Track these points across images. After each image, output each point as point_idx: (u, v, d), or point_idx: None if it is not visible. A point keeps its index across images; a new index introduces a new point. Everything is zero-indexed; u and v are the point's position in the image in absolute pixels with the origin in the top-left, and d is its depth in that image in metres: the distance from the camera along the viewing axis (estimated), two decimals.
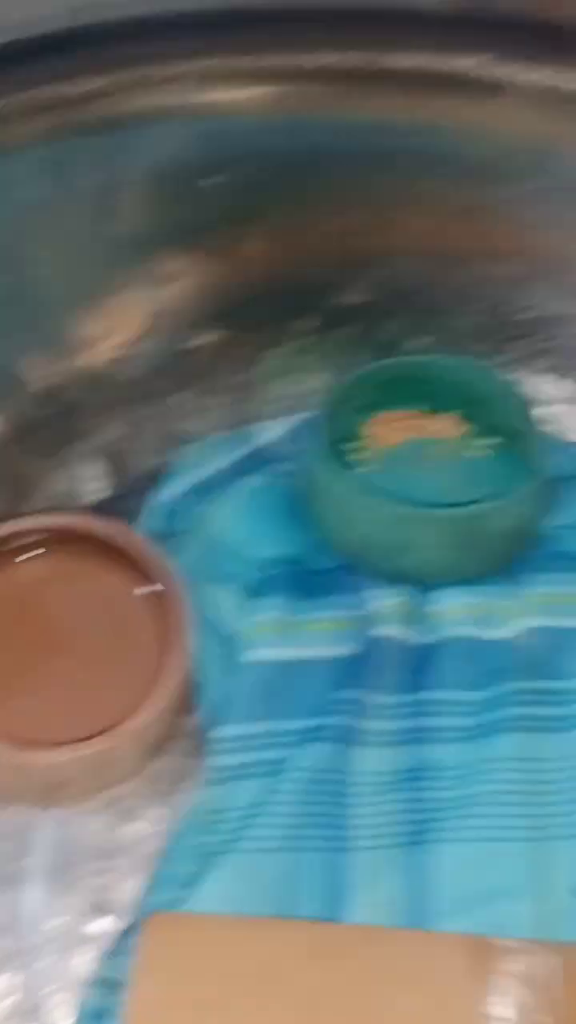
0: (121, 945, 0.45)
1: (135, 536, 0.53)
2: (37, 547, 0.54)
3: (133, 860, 0.49)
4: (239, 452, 0.63)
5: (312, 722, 0.49)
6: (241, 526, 0.57)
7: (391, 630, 0.53)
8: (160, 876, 0.46)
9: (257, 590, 0.54)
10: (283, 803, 0.47)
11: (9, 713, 0.48)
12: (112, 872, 0.48)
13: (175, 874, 0.46)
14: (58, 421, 0.60)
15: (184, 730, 0.52)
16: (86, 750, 0.46)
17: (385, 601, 0.54)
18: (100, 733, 0.47)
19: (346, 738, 0.49)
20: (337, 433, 0.60)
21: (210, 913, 0.44)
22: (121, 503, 0.60)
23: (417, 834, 0.46)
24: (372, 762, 0.49)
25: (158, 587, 0.51)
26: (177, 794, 0.50)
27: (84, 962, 0.45)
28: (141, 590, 0.52)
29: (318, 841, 0.46)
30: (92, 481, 0.61)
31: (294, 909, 0.44)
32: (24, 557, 0.54)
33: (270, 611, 0.53)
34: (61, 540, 0.54)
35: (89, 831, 0.49)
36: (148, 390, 0.62)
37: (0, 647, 0.51)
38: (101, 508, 0.59)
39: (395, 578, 0.55)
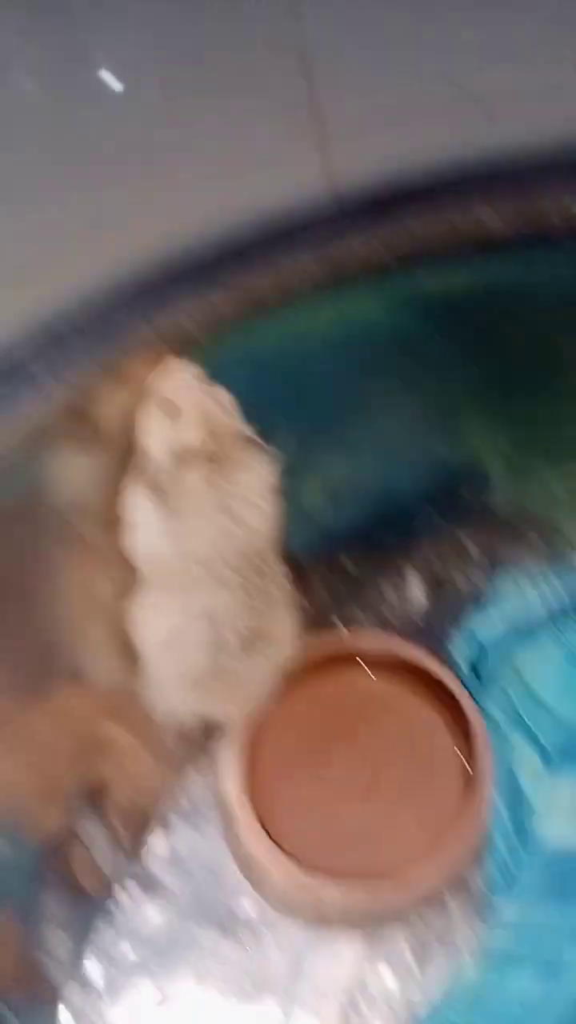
0: None
1: (452, 674, 0.51)
2: (363, 664, 0.54)
3: (386, 1009, 0.47)
4: (564, 592, 0.59)
5: None
6: (554, 681, 0.54)
7: None
8: None
9: (561, 757, 0.51)
10: (558, 1010, 0.44)
11: (306, 832, 0.48)
12: (363, 1015, 0.47)
13: None
14: (391, 533, 0.59)
15: (463, 887, 0.50)
16: (371, 895, 0.45)
17: None
18: (383, 875, 0.45)
19: None
20: None
21: None
22: (434, 624, 0.58)
23: None
24: None
25: (474, 742, 0.49)
26: (442, 954, 0.48)
27: None
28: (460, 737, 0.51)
29: None
30: (412, 597, 0.59)
31: None
32: (349, 671, 0.53)
33: (569, 788, 0.49)
34: (383, 663, 0.53)
35: (350, 967, 0.48)
36: (476, 513, 0.60)
37: (309, 755, 0.51)
38: (415, 627, 0.58)
39: None
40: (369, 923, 0.49)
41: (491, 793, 0.49)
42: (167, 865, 0.51)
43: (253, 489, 0.43)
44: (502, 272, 0.51)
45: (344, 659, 0.53)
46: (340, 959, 0.49)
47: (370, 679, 0.54)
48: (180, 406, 0.42)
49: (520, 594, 0.59)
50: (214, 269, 0.45)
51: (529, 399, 0.55)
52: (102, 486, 0.44)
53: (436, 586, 0.60)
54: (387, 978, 0.48)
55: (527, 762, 0.52)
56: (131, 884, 0.50)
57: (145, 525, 0.43)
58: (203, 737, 0.54)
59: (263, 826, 0.47)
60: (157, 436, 0.42)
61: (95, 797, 0.50)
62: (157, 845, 0.52)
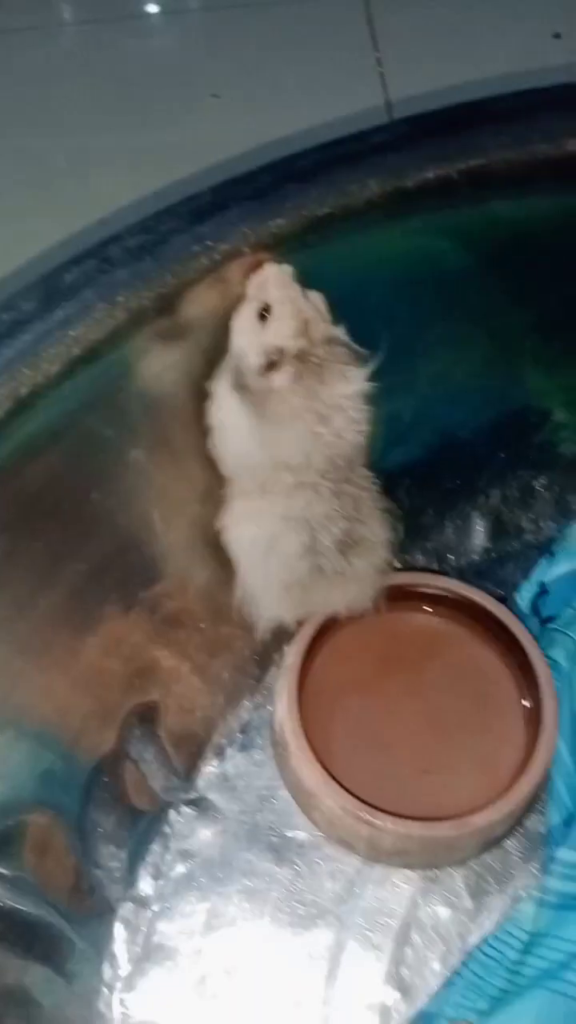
0: None
1: (515, 618, 0.50)
2: (422, 602, 0.52)
3: (439, 946, 0.46)
4: None
5: None
6: None
7: None
8: (466, 979, 0.44)
9: None
10: None
11: (361, 762, 0.47)
12: (416, 948, 0.47)
13: (482, 984, 0.44)
14: (454, 474, 0.58)
15: (525, 831, 0.48)
16: (431, 832, 0.44)
17: None
18: (445, 816, 0.44)
19: None
20: None
21: None
22: (499, 570, 0.57)
23: None
24: None
25: (536, 683, 0.47)
26: (499, 896, 0.47)
27: None
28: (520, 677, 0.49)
29: None
30: (477, 540, 0.58)
31: None
32: (407, 610, 0.52)
33: None
34: (445, 602, 0.52)
35: (406, 902, 0.47)
36: (549, 458, 0.58)
37: (365, 692, 0.50)
38: (478, 570, 0.57)
39: None
40: (423, 861, 0.48)
41: (554, 737, 0.47)
42: (219, 789, 0.51)
43: (343, 394, 0.42)
44: None
45: (404, 596, 0.52)
46: (395, 892, 0.48)
47: (431, 617, 0.52)
48: (275, 308, 0.41)
49: None
50: (275, 191, 0.44)
51: None
52: (190, 387, 0.44)
53: (501, 530, 0.58)
54: (442, 915, 0.47)
55: None
56: (184, 806, 0.50)
57: (233, 428, 0.43)
58: (259, 664, 0.54)
59: (316, 755, 0.46)
60: (250, 337, 0.41)
61: (148, 721, 0.50)
62: (210, 769, 0.51)
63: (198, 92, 0.78)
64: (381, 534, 0.47)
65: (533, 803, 0.47)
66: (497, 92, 0.47)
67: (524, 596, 0.55)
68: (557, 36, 0.73)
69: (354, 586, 0.47)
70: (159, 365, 0.43)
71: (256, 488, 0.44)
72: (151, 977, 0.47)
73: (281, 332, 0.41)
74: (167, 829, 0.50)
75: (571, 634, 0.51)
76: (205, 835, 0.50)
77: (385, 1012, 0.45)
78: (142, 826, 0.49)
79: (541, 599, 0.55)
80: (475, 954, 0.44)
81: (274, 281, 0.41)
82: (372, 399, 0.43)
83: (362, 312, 0.45)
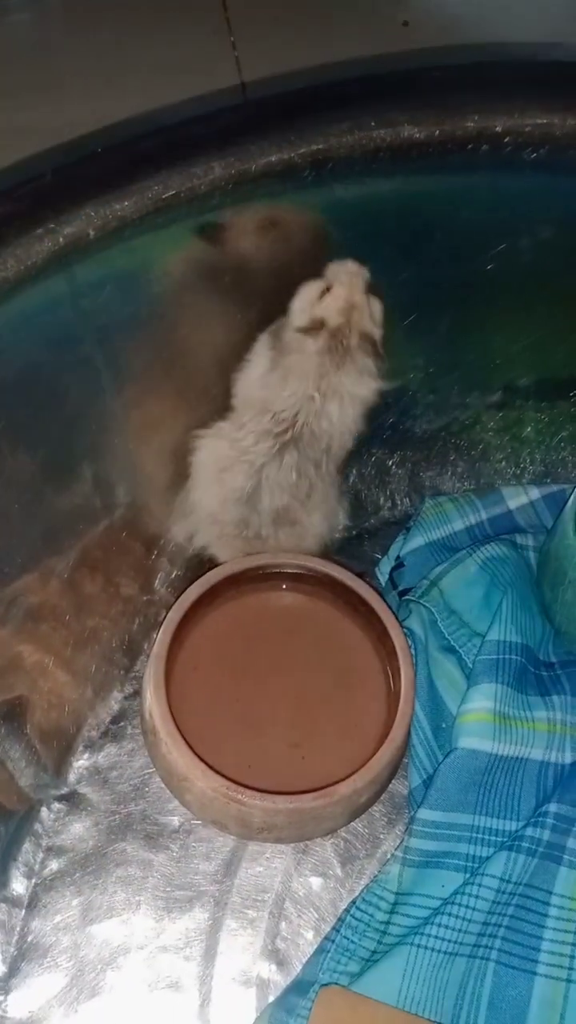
0: (286, 1001, 0.43)
1: (374, 591, 0.50)
2: (284, 582, 0.52)
3: (313, 915, 0.47)
4: (484, 514, 0.58)
5: (515, 826, 0.46)
6: (473, 597, 0.53)
7: None
8: (338, 944, 0.44)
9: (480, 672, 0.50)
10: (472, 907, 0.44)
11: (231, 743, 0.47)
12: (290, 920, 0.47)
13: (353, 947, 0.44)
14: None
15: (391, 796, 0.49)
16: (298, 804, 0.44)
17: None
18: (312, 789, 0.45)
19: (548, 854, 0.45)
20: None
21: (380, 999, 0.42)
22: (360, 546, 0.57)
23: None
24: (572, 886, 0.44)
25: (395, 653, 0.48)
26: (368, 860, 0.48)
27: (248, 1005, 0.44)
28: (381, 648, 0.50)
29: (503, 956, 0.43)
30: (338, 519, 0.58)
31: (465, 1022, 0.41)
32: (270, 590, 0.52)
33: (487, 699, 0.49)
34: (306, 580, 0.52)
35: (279, 876, 0.47)
36: (403, 437, 0.59)
37: (233, 673, 0.50)
38: (341, 549, 0.57)
39: None
40: (294, 835, 0.48)
41: (413, 705, 0.48)
42: (91, 782, 0.50)
43: (349, 388, 0.48)
44: (421, 185, 0.49)
45: (265, 577, 0.52)
46: (268, 868, 0.48)
47: (293, 595, 0.52)
48: (334, 289, 0.47)
49: (443, 516, 0.58)
50: (120, 173, 0.43)
51: (453, 321, 0.54)
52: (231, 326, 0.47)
53: (360, 508, 0.59)
54: (315, 885, 0.48)
55: (446, 673, 0.51)
56: (55, 802, 0.49)
57: (254, 365, 0.48)
58: (128, 654, 0.53)
59: (186, 739, 0.46)
60: (304, 304, 0.47)
61: (13, 718, 0.48)
62: (81, 763, 0.50)
63: (53, 73, 0.75)
64: (318, 529, 0.51)
65: (395, 769, 0.48)
66: (342, 77, 0.47)
67: (383, 570, 0.56)
68: (405, 24, 0.75)
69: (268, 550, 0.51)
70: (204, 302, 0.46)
71: (242, 421, 0.48)
72: (28, 976, 0.45)
73: (329, 307, 0.47)
74: (38, 827, 0.48)
75: (426, 604, 0.52)
76: (78, 829, 0.48)
77: (263, 985, 0.45)
78: (12, 826, 0.48)
79: (398, 572, 0.56)
80: (345, 919, 0.45)
81: (346, 271, 0.47)
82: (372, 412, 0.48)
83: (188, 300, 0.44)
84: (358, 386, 0.48)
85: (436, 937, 0.43)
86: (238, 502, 0.48)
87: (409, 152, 0.46)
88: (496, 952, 0.43)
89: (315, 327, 0.46)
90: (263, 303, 0.48)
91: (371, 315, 0.48)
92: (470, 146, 0.46)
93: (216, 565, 0.51)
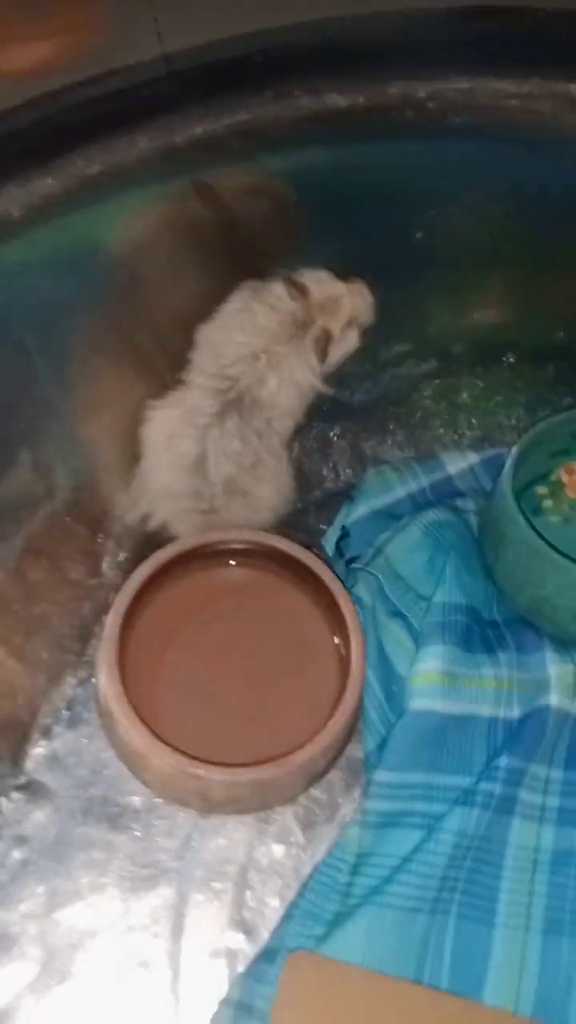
0: (256, 969, 0.44)
1: (321, 562, 0.51)
2: (232, 558, 0.52)
3: (277, 883, 0.47)
4: (425, 480, 0.59)
5: (468, 781, 0.47)
6: (418, 562, 0.54)
7: (563, 700, 0.49)
8: (302, 909, 0.45)
9: (427, 634, 0.51)
10: (431, 864, 0.45)
11: (187, 720, 0.47)
12: (255, 889, 0.47)
13: (317, 911, 0.45)
14: None
15: (347, 761, 0.50)
16: (258, 775, 0.44)
17: (560, 668, 0.50)
18: (270, 759, 0.45)
19: (501, 807, 0.46)
20: (528, 475, 0.56)
21: (346, 960, 0.42)
22: (303, 519, 0.57)
23: (558, 923, 0.43)
24: (526, 836, 0.46)
25: (344, 622, 0.49)
26: (328, 825, 0.49)
27: (219, 976, 0.45)
28: (330, 617, 0.50)
29: (463, 908, 0.44)
30: None
31: (428, 976, 0.42)
32: (219, 566, 0.52)
33: (436, 660, 0.50)
34: (253, 555, 0.52)
35: (242, 847, 0.48)
36: (343, 408, 0.59)
37: (185, 651, 0.50)
38: (288, 523, 0.57)
39: (573, 645, 0.51)
40: (254, 805, 0.48)
41: (364, 671, 0.48)
42: (49, 769, 0.49)
43: (291, 371, 0.49)
44: (349, 155, 0.49)
45: (213, 553, 0.52)
46: (231, 840, 0.48)
47: (241, 570, 0.52)
48: (338, 285, 0.49)
49: (385, 485, 0.59)
50: (43, 149, 0.42)
51: (386, 291, 0.54)
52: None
53: (304, 481, 0.59)
54: (277, 853, 0.48)
55: (395, 638, 0.52)
56: (14, 792, 0.48)
57: (225, 308, 0.49)
58: (80, 639, 0.52)
59: (142, 719, 0.46)
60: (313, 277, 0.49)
61: None
62: (38, 751, 0.50)
63: None
64: (270, 501, 0.52)
65: (350, 734, 0.49)
66: (265, 46, 0.47)
67: (329, 541, 0.57)
68: None
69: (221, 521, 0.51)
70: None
71: (189, 386, 0.49)
72: None
73: (323, 290, 0.49)
74: None
75: (372, 571, 0.53)
76: (39, 817, 0.48)
77: (232, 955, 0.46)
78: None
79: (344, 542, 0.56)
80: (309, 884, 0.46)
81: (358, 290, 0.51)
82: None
83: (143, 269, 0.44)
84: (296, 371, 0.49)
85: (397, 895, 0.44)
86: (187, 471, 0.49)
87: (334, 121, 0.46)
88: (456, 906, 0.44)
89: (301, 292, 0.48)
90: (216, 274, 0.48)
91: (364, 303, 0.50)
92: (394, 113, 0.46)
93: (163, 544, 0.50)
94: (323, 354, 0.50)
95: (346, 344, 0.50)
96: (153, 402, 0.49)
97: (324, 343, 0.49)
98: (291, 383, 0.50)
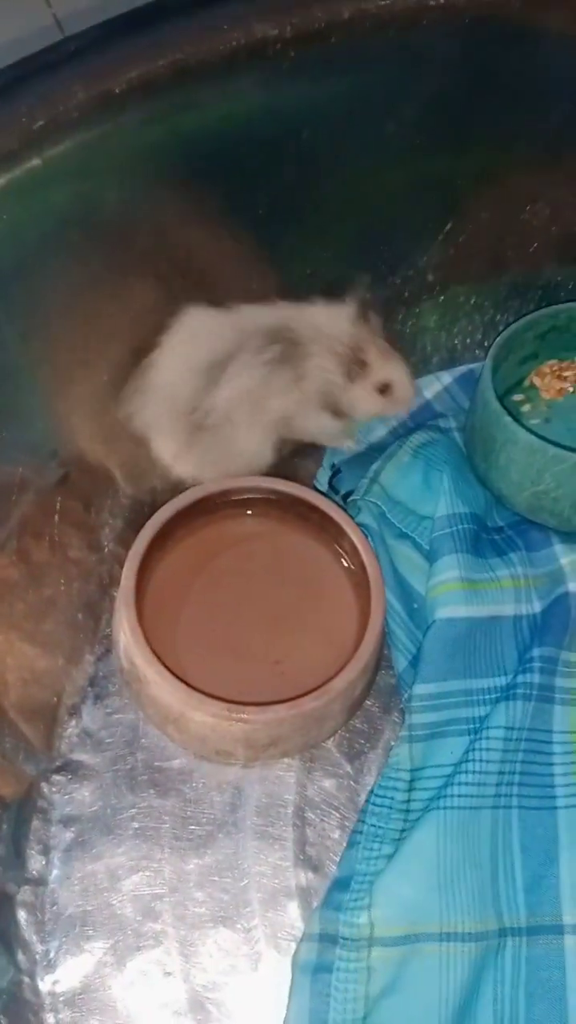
0: (331, 900, 0.43)
1: (321, 496, 0.50)
2: (230, 507, 0.51)
3: (335, 816, 0.47)
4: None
5: (506, 680, 0.47)
6: (413, 483, 0.54)
7: None
8: (367, 833, 0.45)
9: (437, 547, 0.51)
10: (485, 761, 0.45)
11: (215, 671, 0.46)
12: (315, 826, 0.47)
13: (382, 832, 0.45)
14: None
15: (378, 688, 0.50)
16: (300, 709, 0.44)
17: (570, 556, 0.51)
18: (306, 693, 0.44)
19: (542, 696, 0.46)
20: (502, 386, 0.56)
21: (420, 867, 0.42)
22: (291, 466, 0.57)
23: None
24: (570, 721, 0.46)
25: (355, 549, 0.48)
26: (374, 752, 0.49)
27: (295, 915, 0.44)
28: (338, 550, 0.50)
29: (523, 800, 0.44)
30: None
31: (503, 868, 0.42)
32: (232, 515, 0.51)
33: (452, 569, 0.50)
34: (264, 502, 0.51)
35: (293, 787, 0.47)
36: None
37: (205, 606, 0.49)
38: (277, 473, 0.56)
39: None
40: (298, 744, 0.48)
41: (383, 592, 0.48)
42: (84, 747, 0.48)
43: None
44: (285, 89, 0.49)
45: (214, 506, 0.51)
46: (280, 783, 0.48)
47: (243, 519, 0.52)
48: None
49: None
50: None
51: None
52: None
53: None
54: (329, 787, 0.48)
55: (406, 557, 0.52)
56: (53, 775, 0.47)
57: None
58: (91, 615, 0.51)
59: (175, 676, 0.45)
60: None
61: None
62: (70, 731, 0.48)
63: None
64: (250, 450, 0.50)
65: (380, 657, 0.49)
66: None
67: (321, 481, 0.56)
68: None
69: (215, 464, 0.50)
70: None
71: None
72: (67, 949, 0.44)
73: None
74: (42, 803, 0.46)
75: (371, 499, 0.53)
76: (83, 795, 0.47)
77: (304, 893, 0.45)
78: (15, 807, 0.46)
79: (337, 479, 0.56)
80: (367, 808, 0.45)
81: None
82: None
83: (93, 217, 0.43)
84: (320, 422, 0.50)
85: (458, 796, 0.44)
86: (196, 372, 0.47)
87: (265, 52, 0.46)
88: (516, 798, 0.44)
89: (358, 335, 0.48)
90: None
91: (398, 380, 0.50)
92: (325, 38, 0.46)
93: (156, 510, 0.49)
94: (337, 412, 0.50)
95: (378, 406, 0.50)
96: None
97: (334, 395, 0.49)
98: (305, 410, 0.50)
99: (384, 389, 0.50)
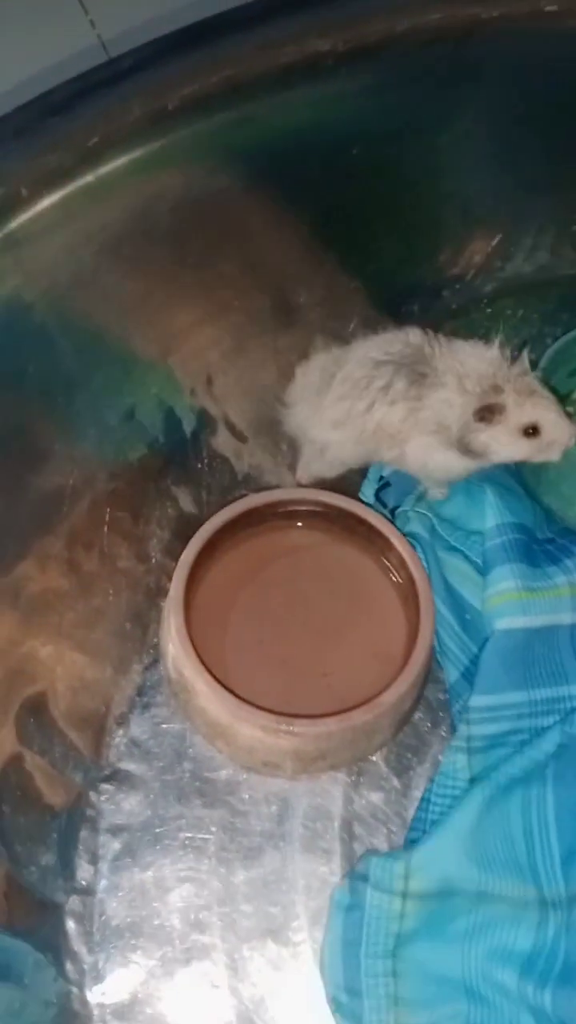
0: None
1: (374, 513, 0.50)
2: (293, 519, 0.51)
3: (383, 830, 0.47)
4: None
5: (569, 689, 0.46)
6: (456, 501, 0.54)
7: None
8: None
9: (491, 558, 0.51)
10: (545, 766, 0.44)
11: (263, 683, 0.46)
12: (362, 840, 0.47)
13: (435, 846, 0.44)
14: None
15: (427, 702, 0.49)
16: (349, 722, 0.43)
17: None
18: (356, 707, 0.44)
19: None
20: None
21: (457, 839, 0.43)
22: (335, 477, 0.57)
23: None
24: None
25: (403, 562, 0.48)
26: (422, 766, 0.48)
27: None
28: (385, 563, 0.50)
29: (559, 776, 0.43)
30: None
31: (543, 843, 0.42)
32: (280, 527, 0.51)
33: (508, 579, 0.49)
34: (311, 514, 0.51)
35: (340, 801, 0.47)
36: None
37: (249, 616, 0.49)
38: (320, 485, 0.56)
39: None
40: (346, 757, 0.47)
41: (432, 603, 0.48)
42: (132, 756, 0.48)
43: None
44: (338, 102, 0.49)
45: (261, 518, 0.51)
46: (327, 796, 0.47)
47: (288, 531, 0.52)
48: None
49: None
50: (39, 127, 0.41)
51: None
52: None
53: None
54: (377, 801, 0.47)
55: (456, 569, 0.52)
56: (102, 784, 0.47)
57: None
58: (139, 625, 0.51)
59: (221, 687, 0.45)
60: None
61: (41, 711, 0.46)
62: (118, 740, 0.48)
63: None
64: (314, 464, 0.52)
65: (428, 671, 0.48)
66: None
67: (367, 493, 0.56)
68: None
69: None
70: None
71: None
72: (116, 960, 0.44)
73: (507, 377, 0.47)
74: (91, 812, 0.47)
75: (422, 510, 0.52)
76: (131, 805, 0.47)
77: None
78: (64, 816, 0.46)
79: (384, 492, 0.56)
80: (418, 815, 0.45)
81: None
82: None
83: (152, 238, 0.43)
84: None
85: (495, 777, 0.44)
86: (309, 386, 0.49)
87: (318, 67, 0.46)
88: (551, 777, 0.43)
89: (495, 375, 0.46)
90: None
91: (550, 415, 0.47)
92: (378, 53, 0.46)
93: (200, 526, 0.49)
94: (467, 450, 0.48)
95: (524, 450, 0.48)
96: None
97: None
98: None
99: (531, 431, 0.47)
